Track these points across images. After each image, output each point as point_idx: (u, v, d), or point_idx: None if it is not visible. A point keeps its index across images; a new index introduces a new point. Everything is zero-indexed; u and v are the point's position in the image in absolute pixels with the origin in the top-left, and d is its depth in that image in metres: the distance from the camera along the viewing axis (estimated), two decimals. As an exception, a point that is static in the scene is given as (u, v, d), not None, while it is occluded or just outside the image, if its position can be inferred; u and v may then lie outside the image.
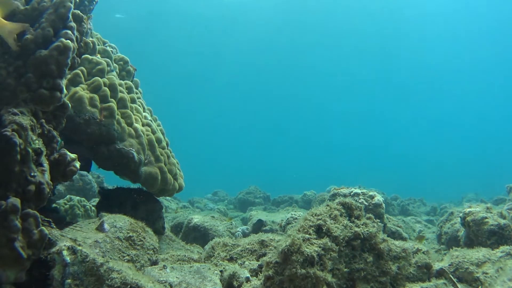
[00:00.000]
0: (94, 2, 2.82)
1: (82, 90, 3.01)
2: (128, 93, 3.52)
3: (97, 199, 5.37)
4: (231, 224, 4.76)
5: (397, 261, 2.24)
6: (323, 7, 28.55)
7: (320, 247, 2.00)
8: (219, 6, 27.95)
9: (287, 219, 4.71)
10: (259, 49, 34.24)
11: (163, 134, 3.75)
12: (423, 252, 2.39)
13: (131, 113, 3.34)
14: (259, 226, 5.14)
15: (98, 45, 3.60)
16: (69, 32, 2.14)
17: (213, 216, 4.81)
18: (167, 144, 3.70)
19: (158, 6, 27.00)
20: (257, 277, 2.25)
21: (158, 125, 3.84)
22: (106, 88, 3.16)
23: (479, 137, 39.63)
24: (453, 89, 37.67)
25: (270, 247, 2.62)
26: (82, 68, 3.19)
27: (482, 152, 37.92)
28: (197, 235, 4.43)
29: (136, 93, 3.75)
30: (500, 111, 38.40)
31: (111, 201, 3.31)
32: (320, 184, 11.65)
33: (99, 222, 2.32)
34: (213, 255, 2.68)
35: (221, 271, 2.35)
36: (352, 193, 4.44)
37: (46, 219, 1.95)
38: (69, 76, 3.06)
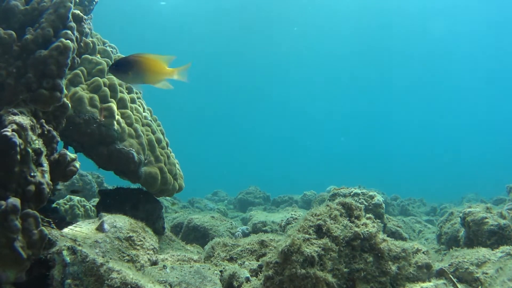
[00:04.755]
0: (94, 2, 2.82)
1: (82, 90, 3.01)
2: (128, 93, 3.52)
3: (97, 199, 5.37)
4: (231, 224, 4.76)
5: (397, 261, 2.24)
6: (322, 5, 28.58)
7: (320, 247, 2.00)
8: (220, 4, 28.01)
9: (287, 219, 4.71)
10: (259, 48, 34.25)
11: (163, 134, 3.75)
12: (423, 252, 2.39)
13: (131, 113, 3.34)
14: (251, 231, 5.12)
15: (98, 45, 3.60)
16: (69, 32, 2.15)
17: (213, 216, 4.81)
18: (167, 144, 3.70)
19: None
20: (257, 277, 2.25)
21: (158, 125, 3.84)
22: (106, 88, 3.16)
23: (479, 137, 39.65)
24: (453, 88, 37.69)
25: (270, 247, 2.62)
26: (82, 68, 3.19)
27: (482, 152, 37.92)
28: (197, 235, 4.43)
29: (136, 93, 3.75)
30: (500, 111, 38.41)
31: (111, 201, 3.32)
32: (320, 184, 11.65)
33: (99, 222, 2.32)
34: (213, 255, 2.68)
35: (221, 271, 2.35)
36: (352, 193, 4.44)
37: (46, 219, 1.95)
38: (69, 76, 3.07)
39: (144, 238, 2.35)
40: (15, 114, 1.82)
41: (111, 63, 2.25)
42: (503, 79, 34.84)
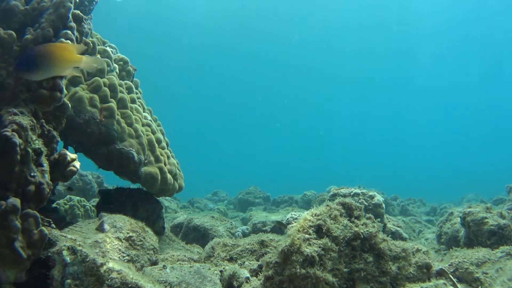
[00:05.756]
0: (94, 2, 2.82)
1: (82, 90, 3.01)
2: (128, 93, 3.52)
3: (97, 199, 5.37)
4: (231, 224, 4.76)
5: (397, 261, 2.24)
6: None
7: (320, 247, 2.00)
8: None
9: (287, 219, 4.71)
10: (261, 49, 34.26)
11: (163, 134, 3.75)
12: (423, 252, 2.39)
13: (131, 113, 3.34)
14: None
15: (98, 45, 3.60)
16: (69, 32, 2.14)
17: (213, 216, 4.81)
18: (167, 144, 3.70)
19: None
20: (257, 277, 2.25)
21: (158, 125, 3.84)
22: (106, 88, 3.16)
23: (479, 137, 39.63)
24: (453, 88, 37.70)
25: (270, 247, 2.62)
26: (82, 68, 3.19)
27: (482, 152, 37.91)
28: (197, 235, 4.43)
29: (136, 93, 3.75)
30: (500, 111, 38.41)
31: (111, 201, 3.31)
32: (320, 184, 11.65)
33: (99, 222, 2.32)
34: (213, 255, 2.68)
35: (221, 271, 2.35)
36: (352, 193, 4.44)
37: (46, 219, 1.95)
38: (69, 76, 3.06)
39: (144, 238, 2.35)
40: (15, 114, 1.82)
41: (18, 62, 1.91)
42: (504, 79, 34.87)
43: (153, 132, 3.51)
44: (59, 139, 2.24)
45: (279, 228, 5.07)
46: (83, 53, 1.98)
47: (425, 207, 10.44)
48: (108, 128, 3.00)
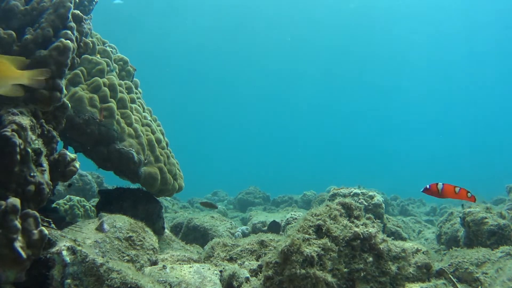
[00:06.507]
0: (94, 2, 2.82)
1: (81, 90, 3.01)
2: (128, 93, 3.52)
3: (96, 199, 5.37)
4: (231, 224, 4.76)
5: (396, 261, 2.24)
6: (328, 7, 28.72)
7: (319, 247, 2.00)
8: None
9: (287, 219, 4.71)
10: (260, 49, 34.27)
11: (162, 134, 3.75)
12: (423, 252, 2.39)
13: (131, 113, 3.34)
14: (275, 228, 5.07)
15: (98, 45, 3.60)
16: (69, 32, 2.14)
17: (212, 216, 4.81)
18: (166, 144, 3.70)
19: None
20: (257, 277, 2.25)
21: (158, 125, 3.84)
22: (106, 88, 3.16)
23: (479, 137, 39.63)
24: (453, 88, 37.71)
25: (270, 247, 2.62)
26: (82, 68, 3.19)
27: (482, 152, 37.91)
28: (197, 235, 4.43)
29: (136, 93, 3.75)
30: (500, 111, 38.42)
31: (110, 201, 3.31)
32: (320, 184, 11.67)
33: (98, 222, 2.31)
34: (213, 255, 2.68)
35: (220, 271, 2.35)
36: (351, 193, 4.44)
37: (46, 219, 1.95)
38: (69, 76, 3.07)
39: (143, 238, 2.35)
40: (15, 114, 1.82)
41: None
42: (504, 78, 34.88)
43: (153, 132, 3.51)
44: (59, 139, 2.24)
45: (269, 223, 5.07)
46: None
47: (425, 207, 10.44)
48: (107, 128, 3.00)
